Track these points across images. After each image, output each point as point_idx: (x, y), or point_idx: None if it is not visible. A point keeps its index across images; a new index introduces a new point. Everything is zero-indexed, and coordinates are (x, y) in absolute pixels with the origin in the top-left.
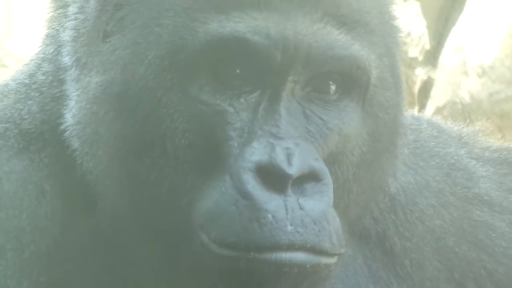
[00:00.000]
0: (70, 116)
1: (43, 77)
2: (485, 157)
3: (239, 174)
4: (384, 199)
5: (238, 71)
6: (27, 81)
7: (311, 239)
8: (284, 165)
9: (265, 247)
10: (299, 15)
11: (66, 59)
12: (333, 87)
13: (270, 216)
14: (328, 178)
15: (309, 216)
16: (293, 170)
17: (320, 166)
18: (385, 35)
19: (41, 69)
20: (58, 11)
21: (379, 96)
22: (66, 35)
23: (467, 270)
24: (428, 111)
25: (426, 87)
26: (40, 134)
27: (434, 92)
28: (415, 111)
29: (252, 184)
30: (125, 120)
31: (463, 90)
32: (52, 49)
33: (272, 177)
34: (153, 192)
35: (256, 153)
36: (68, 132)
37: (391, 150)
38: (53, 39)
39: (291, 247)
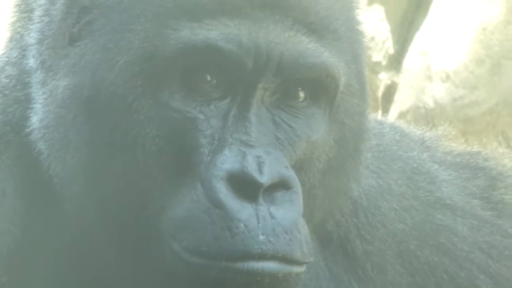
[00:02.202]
0: (37, 119)
1: (6, 80)
2: (448, 161)
3: (211, 182)
4: (346, 202)
5: (208, 78)
6: None
7: (283, 249)
8: (256, 174)
9: (237, 256)
10: (270, 22)
11: (31, 62)
12: (301, 94)
13: (242, 225)
14: (297, 187)
15: (281, 225)
16: (264, 179)
17: (290, 174)
18: (352, 42)
19: (4, 72)
20: (22, 15)
21: (345, 102)
22: (31, 38)
23: (429, 274)
24: (392, 116)
25: (390, 91)
26: (2, 135)
27: (397, 96)
28: (378, 116)
29: (224, 192)
30: (94, 125)
31: (427, 95)
32: (16, 53)
33: (243, 185)
34: (121, 198)
35: (228, 161)
36: (34, 135)
37: (356, 155)
38: (17, 43)
39: (263, 256)
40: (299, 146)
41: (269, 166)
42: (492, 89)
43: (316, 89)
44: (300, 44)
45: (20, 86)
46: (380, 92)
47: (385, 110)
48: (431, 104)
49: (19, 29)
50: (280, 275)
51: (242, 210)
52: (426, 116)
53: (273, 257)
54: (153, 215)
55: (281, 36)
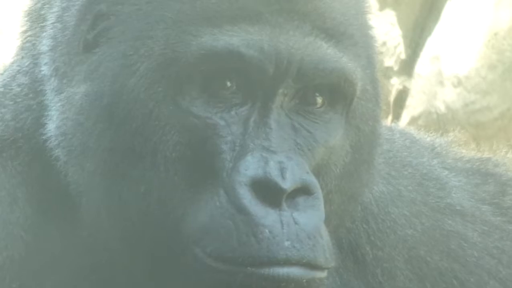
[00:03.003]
0: (53, 126)
1: (18, 89)
2: (458, 168)
3: (235, 188)
4: (357, 208)
5: (229, 84)
6: (1, 89)
7: (307, 254)
8: (279, 180)
9: (263, 262)
10: (290, 28)
11: (45, 69)
12: (319, 100)
13: (267, 231)
14: (319, 192)
15: (304, 231)
16: (287, 184)
17: (311, 179)
18: (367, 47)
19: (16, 80)
20: (33, 24)
21: (361, 107)
22: (44, 45)
23: (438, 280)
24: (403, 121)
25: (402, 96)
26: (13, 141)
27: (409, 102)
28: (389, 121)
29: (248, 198)
30: (114, 132)
31: (439, 100)
32: (28, 62)
33: (267, 191)
34: (141, 205)
35: (251, 167)
36: (49, 142)
37: (369, 160)
38: (28, 51)
39: (288, 262)
40: (318, 152)
41: (291, 172)
42: (504, 94)
43: (334, 94)
44: (320, 49)
45: (32, 95)
46: (391, 97)
47: (397, 115)
48: (442, 109)
49: (30, 38)
50: (304, 280)
51: (266, 216)
52: (437, 121)
53: (298, 263)
54: (174, 221)
55: (301, 41)
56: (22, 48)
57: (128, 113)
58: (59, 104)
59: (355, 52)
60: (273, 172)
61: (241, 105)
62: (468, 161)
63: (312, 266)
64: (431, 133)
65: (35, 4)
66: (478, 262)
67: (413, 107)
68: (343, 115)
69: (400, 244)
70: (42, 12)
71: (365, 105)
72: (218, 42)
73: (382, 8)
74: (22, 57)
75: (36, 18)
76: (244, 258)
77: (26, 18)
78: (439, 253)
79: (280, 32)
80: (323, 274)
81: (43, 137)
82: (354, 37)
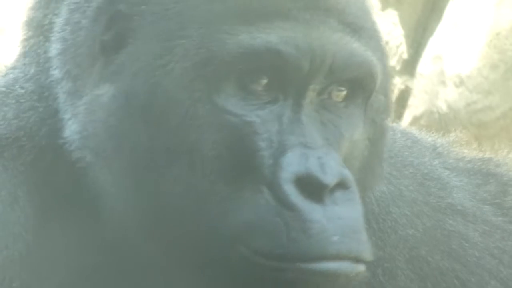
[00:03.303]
0: (74, 130)
1: (22, 91)
2: (459, 168)
3: (280, 185)
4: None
5: (263, 81)
6: (3, 89)
7: (354, 248)
8: (320, 175)
9: (313, 258)
10: (318, 24)
11: (55, 73)
12: (343, 94)
13: (316, 226)
14: (354, 186)
15: (349, 225)
16: (329, 179)
17: (347, 173)
18: (379, 40)
19: (19, 83)
20: (35, 33)
21: (377, 101)
22: (53, 49)
23: (440, 280)
24: (405, 121)
25: (404, 96)
26: (15, 139)
27: (411, 101)
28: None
29: (295, 195)
30: (150, 133)
31: (441, 100)
32: (32, 69)
33: (310, 187)
34: (178, 205)
35: (293, 163)
36: (69, 145)
37: (381, 154)
38: (32, 59)
39: (338, 257)
40: (344, 146)
41: (329, 167)
42: (506, 94)
43: (355, 88)
44: (348, 44)
45: (37, 97)
46: (393, 97)
47: (399, 115)
48: (444, 109)
49: (33, 47)
50: (353, 274)
51: (313, 211)
52: (439, 121)
53: (346, 257)
54: (212, 220)
55: (331, 37)
56: (24, 56)
57: (164, 113)
58: (82, 107)
59: (373, 45)
60: (315, 168)
61: (274, 102)
62: (470, 161)
63: (358, 259)
64: (433, 133)
65: (35, 13)
66: (479, 262)
67: (415, 107)
68: (362, 108)
69: (401, 244)
70: (45, 21)
71: (379, 98)
72: (255, 40)
73: (384, 8)
74: (25, 64)
75: (37, 26)
76: (294, 254)
77: (27, 27)
78: (440, 253)
79: (311, 28)
80: (364, 267)
81: (60, 141)
82: (369, 30)
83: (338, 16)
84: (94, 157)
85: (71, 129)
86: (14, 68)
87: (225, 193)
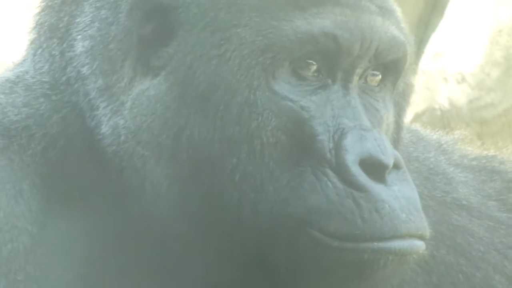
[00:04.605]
0: (121, 125)
1: (33, 80)
2: (464, 164)
3: (348, 167)
4: None
5: (314, 67)
6: (12, 78)
7: (421, 226)
8: (382, 156)
9: (388, 237)
10: (363, 9)
11: (84, 70)
12: (378, 78)
13: (387, 206)
14: (405, 166)
15: (412, 204)
16: (389, 160)
17: (398, 154)
18: (404, 23)
19: (29, 74)
20: (48, 35)
21: (401, 84)
22: (79, 47)
23: (445, 274)
24: (407, 118)
25: None
26: (24, 128)
27: (413, 98)
28: None
29: (363, 176)
30: (210, 123)
31: (443, 97)
32: (46, 66)
33: (373, 168)
34: (236, 193)
35: (355, 146)
36: (108, 140)
37: (402, 137)
38: (44, 59)
39: (408, 234)
40: (383, 128)
41: (386, 148)
42: (508, 91)
43: (387, 72)
44: (389, 27)
45: (49, 86)
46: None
47: None
48: (446, 106)
49: (46, 48)
50: (421, 251)
51: (381, 191)
52: (441, 118)
53: (415, 235)
54: (274, 207)
55: (376, 21)
56: (34, 56)
57: (223, 102)
58: (128, 102)
59: (402, 27)
60: (375, 149)
61: (324, 87)
62: (475, 158)
63: (422, 237)
64: (437, 130)
65: (45, 17)
66: (484, 257)
67: (417, 104)
68: (391, 91)
69: None
70: (60, 24)
71: (402, 81)
72: (312, 26)
73: None
74: (35, 62)
75: (50, 30)
76: (371, 234)
77: (36, 31)
78: (445, 247)
79: (358, 12)
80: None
81: (96, 137)
82: (398, 13)
83: (376, 0)
84: (148, 150)
85: (110, 124)
86: (22, 64)
87: (284, 179)
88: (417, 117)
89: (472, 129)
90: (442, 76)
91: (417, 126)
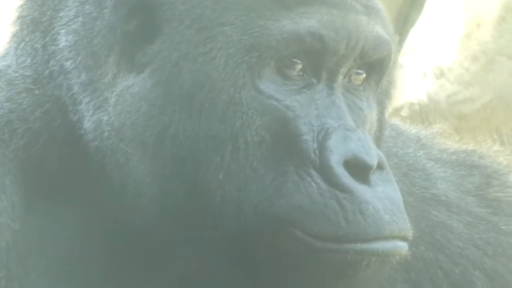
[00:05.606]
0: (104, 121)
1: (15, 74)
2: (443, 159)
3: (332, 168)
4: None
5: (299, 66)
6: None
7: (403, 227)
8: (365, 157)
9: (372, 238)
10: (349, 8)
11: (67, 64)
12: (362, 77)
13: (371, 207)
14: (388, 166)
15: (395, 205)
16: (373, 161)
17: (382, 155)
18: (389, 22)
19: (12, 68)
20: (30, 28)
21: (384, 82)
22: (62, 41)
23: (423, 270)
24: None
25: None
26: (7, 123)
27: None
28: None
29: (347, 177)
30: (195, 121)
31: (421, 91)
32: (28, 60)
33: (357, 169)
34: (219, 192)
35: (339, 146)
36: (90, 135)
37: (384, 135)
38: (26, 52)
39: (391, 235)
40: (366, 128)
41: (369, 148)
42: (487, 86)
43: (371, 71)
44: (375, 27)
45: (32, 81)
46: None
47: None
48: (425, 100)
49: (28, 42)
50: (403, 252)
51: (365, 192)
52: (420, 112)
53: (398, 236)
54: (257, 206)
55: (362, 20)
56: (16, 49)
57: (208, 100)
58: (112, 98)
59: (387, 26)
60: (359, 150)
61: (308, 87)
62: (454, 153)
63: (405, 238)
64: (416, 124)
65: (29, 11)
66: (463, 253)
67: (395, 98)
68: (375, 90)
69: None
70: (43, 18)
71: (385, 79)
72: (298, 25)
73: None
74: (17, 56)
75: (32, 24)
76: (354, 235)
77: (19, 25)
78: (424, 243)
79: (344, 12)
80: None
81: (78, 132)
82: (382, 12)
83: (361, 0)
84: (132, 147)
85: (93, 119)
86: (4, 57)
87: (268, 179)
88: (396, 112)
89: (451, 123)
90: (421, 71)
91: (396, 121)
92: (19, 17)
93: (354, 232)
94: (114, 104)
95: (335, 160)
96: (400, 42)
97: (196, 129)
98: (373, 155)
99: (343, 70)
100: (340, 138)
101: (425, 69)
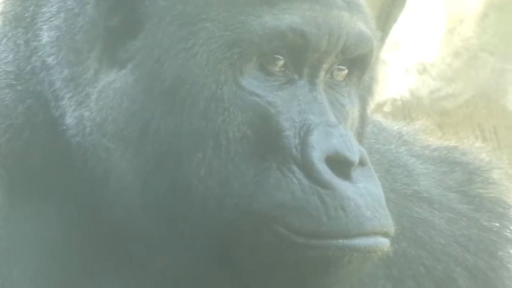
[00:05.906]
0: (86, 116)
1: None
2: (425, 155)
3: (313, 164)
4: None
5: (280, 62)
6: None
7: (385, 223)
8: (347, 153)
9: (353, 234)
10: (331, 4)
11: (49, 60)
12: (344, 73)
13: (352, 203)
14: (370, 162)
15: (376, 201)
16: (355, 157)
17: (363, 151)
18: (371, 18)
19: None
20: (13, 24)
21: (366, 77)
22: (44, 37)
23: (405, 267)
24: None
25: None
26: None
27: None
28: None
29: (329, 173)
30: (176, 117)
31: (404, 87)
32: (11, 55)
33: (339, 165)
34: (201, 189)
35: (321, 142)
36: (72, 131)
37: (366, 131)
38: (9, 48)
39: (373, 232)
40: (348, 124)
41: (351, 144)
42: (469, 82)
43: (353, 67)
44: (356, 23)
45: (14, 77)
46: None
47: None
48: (407, 96)
49: (11, 38)
50: (385, 248)
51: (347, 188)
52: (402, 108)
53: (380, 232)
54: (239, 202)
55: (344, 16)
56: None
57: (190, 96)
58: (94, 94)
59: (369, 22)
60: (341, 146)
61: (290, 82)
62: (436, 149)
63: (387, 234)
64: (398, 121)
65: (12, 6)
66: (445, 250)
67: (378, 94)
68: (357, 86)
69: None
70: (26, 14)
71: (367, 75)
72: (280, 21)
73: None
74: (0, 52)
75: (15, 19)
76: (336, 231)
77: (1, 20)
78: (406, 240)
79: (326, 8)
80: (389, 242)
81: (59, 128)
82: (364, 8)
83: None
84: (114, 143)
85: (75, 115)
86: None
87: (250, 175)
88: (378, 108)
89: (433, 119)
90: (403, 67)
91: (378, 117)
92: (1, 13)
93: (336, 228)
94: (96, 99)
95: (317, 156)
96: (383, 38)
97: (178, 125)
98: (355, 151)
99: (325, 66)
100: (321, 134)
101: (407, 65)
